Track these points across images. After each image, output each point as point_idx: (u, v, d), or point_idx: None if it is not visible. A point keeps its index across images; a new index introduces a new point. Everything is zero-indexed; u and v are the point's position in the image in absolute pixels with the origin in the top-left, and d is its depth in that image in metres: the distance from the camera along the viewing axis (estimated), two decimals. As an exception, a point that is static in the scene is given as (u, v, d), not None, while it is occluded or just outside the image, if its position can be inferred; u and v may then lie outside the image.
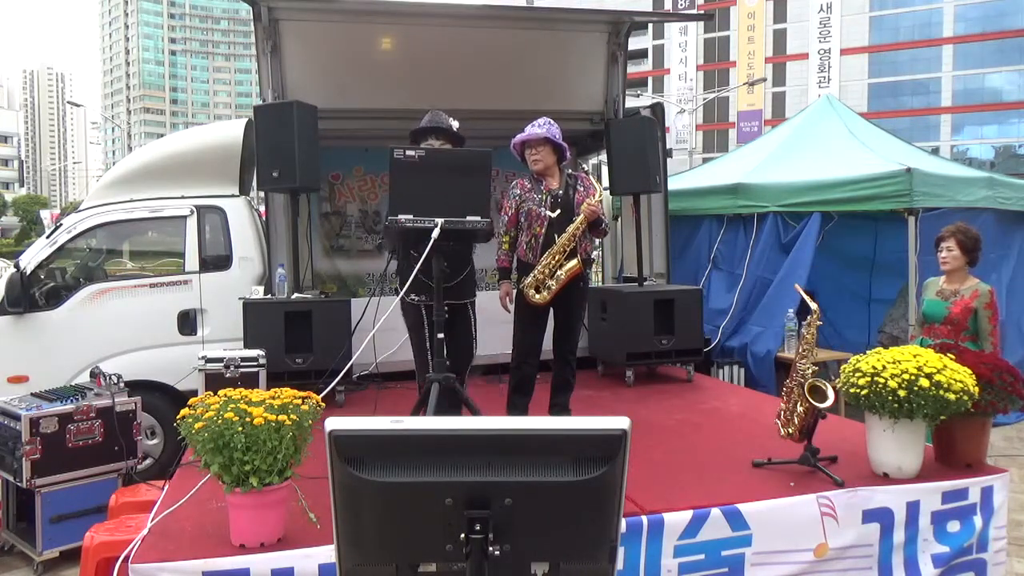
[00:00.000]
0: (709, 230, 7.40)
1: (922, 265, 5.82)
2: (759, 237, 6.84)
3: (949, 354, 3.28)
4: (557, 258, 4.17)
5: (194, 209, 5.57)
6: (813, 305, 3.50)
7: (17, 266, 5.22)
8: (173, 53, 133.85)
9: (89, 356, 5.16)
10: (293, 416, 2.66)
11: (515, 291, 4.33)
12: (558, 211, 4.19)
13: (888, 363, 3.14)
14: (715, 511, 2.98)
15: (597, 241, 7.98)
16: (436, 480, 1.26)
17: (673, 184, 7.10)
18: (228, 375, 4.45)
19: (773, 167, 7.22)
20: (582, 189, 4.28)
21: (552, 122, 4.26)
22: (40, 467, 4.15)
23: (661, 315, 5.59)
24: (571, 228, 4.16)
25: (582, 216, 4.16)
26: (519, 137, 4.24)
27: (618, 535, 1.34)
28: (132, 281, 5.52)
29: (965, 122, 49.35)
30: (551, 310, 4.33)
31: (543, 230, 4.20)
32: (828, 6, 49.00)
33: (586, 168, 4.39)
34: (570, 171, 4.42)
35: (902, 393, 3.04)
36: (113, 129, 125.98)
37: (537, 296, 4.18)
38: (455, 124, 4.17)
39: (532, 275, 4.19)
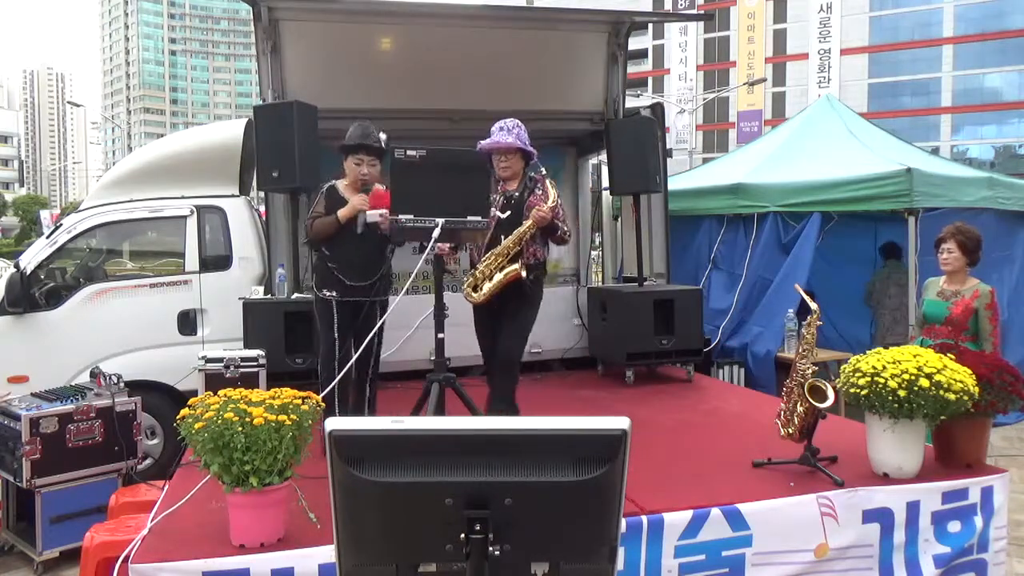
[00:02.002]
0: (709, 230, 7.40)
1: (922, 265, 5.82)
2: (759, 237, 6.83)
3: (949, 354, 3.28)
4: (499, 260, 4.08)
5: (194, 209, 5.57)
6: (813, 305, 3.50)
7: (17, 266, 5.23)
8: (173, 53, 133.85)
9: (89, 356, 5.16)
10: (293, 416, 2.66)
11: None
12: (508, 212, 4.13)
13: (888, 363, 3.14)
14: (715, 511, 2.98)
15: (597, 240, 8.03)
16: (436, 480, 1.26)
17: (673, 184, 7.10)
18: (228, 375, 4.45)
19: (773, 167, 7.22)
20: (539, 192, 4.17)
21: (520, 124, 4.16)
22: (40, 467, 4.15)
23: (661, 315, 5.59)
24: (519, 231, 4.08)
25: (530, 221, 4.07)
26: (487, 144, 4.11)
27: (618, 535, 1.34)
28: (132, 281, 5.53)
29: (965, 122, 49.32)
30: (494, 316, 4.21)
31: (490, 231, 4.08)
32: (828, 6, 48.99)
33: (543, 170, 4.29)
34: (532, 174, 4.29)
35: (902, 393, 3.04)
36: (113, 129, 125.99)
37: (474, 294, 4.11)
38: (383, 136, 4.10)
39: (471, 273, 4.13)
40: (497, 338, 4.24)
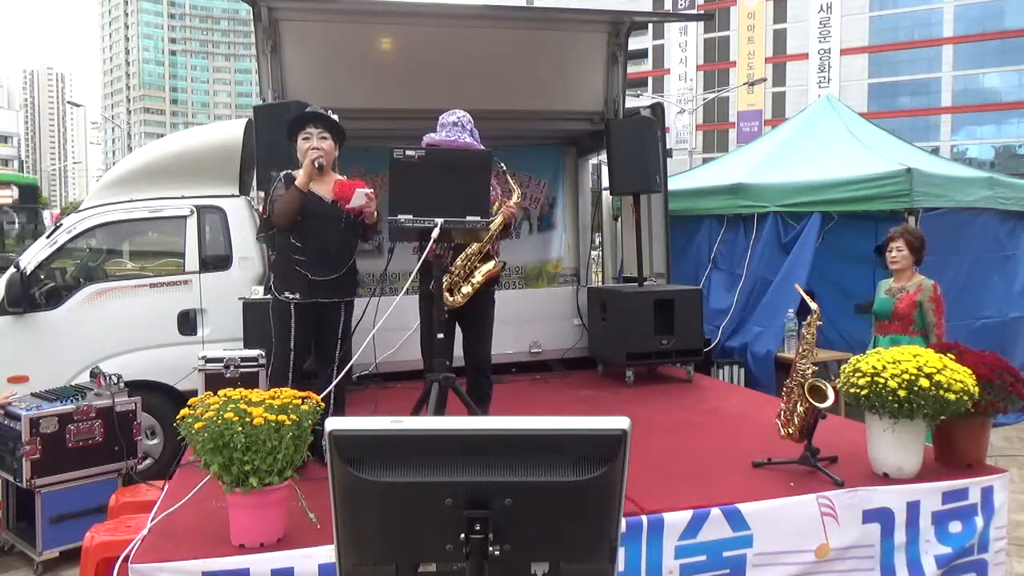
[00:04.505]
0: (709, 230, 7.39)
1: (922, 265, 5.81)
2: (759, 237, 6.83)
3: (949, 354, 3.28)
4: (473, 260, 3.96)
5: (194, 209, 5.57)
6: (813, 305, 3.50)
7: (17, 266, 5.22)
8: (173, 53, 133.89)
9: (89, 356, 5.16)
10: (293, 416, 2.66)
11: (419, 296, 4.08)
12: None
13: (888, 363, 3.14)
14: (715, 511, 2.98)
15: (597, 240, 8.03)
16: (436, 480, 1.26)
17: (673, 184, 7.09)
18: (228, 375, 4.45)
19: (773, 167, 7.22)
20: (492, 189, 3.98)
21: (468, 117, 4.02)
22: (40, 467, 4.15)
23: (661, 315, 5.59)
24: (491, 228, 3.90)
25: (500, 218, 3.96)
26: (443, 142, 3.92)
27: (618, 535, 1.34)
28: (132, 281, 5.53)
29: (965, 122, 49.36)
30: (455, 319, 4.05)
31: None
32: (828, 6, 49.00)
33: (503, 165, 4.16)
34: None
35: (902, 393, 3.04)
36: (113, 129, 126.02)
37: (451, 299, 3.91)
38: (335, 117, 3.83)
39: (446, 277, 3.88)
40: (468, 343, 4.13)
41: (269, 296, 3.93)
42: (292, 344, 3.74)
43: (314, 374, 3.97)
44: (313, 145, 3.70)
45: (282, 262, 3.77)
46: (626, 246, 7.03)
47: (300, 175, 3.66)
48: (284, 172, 3.87)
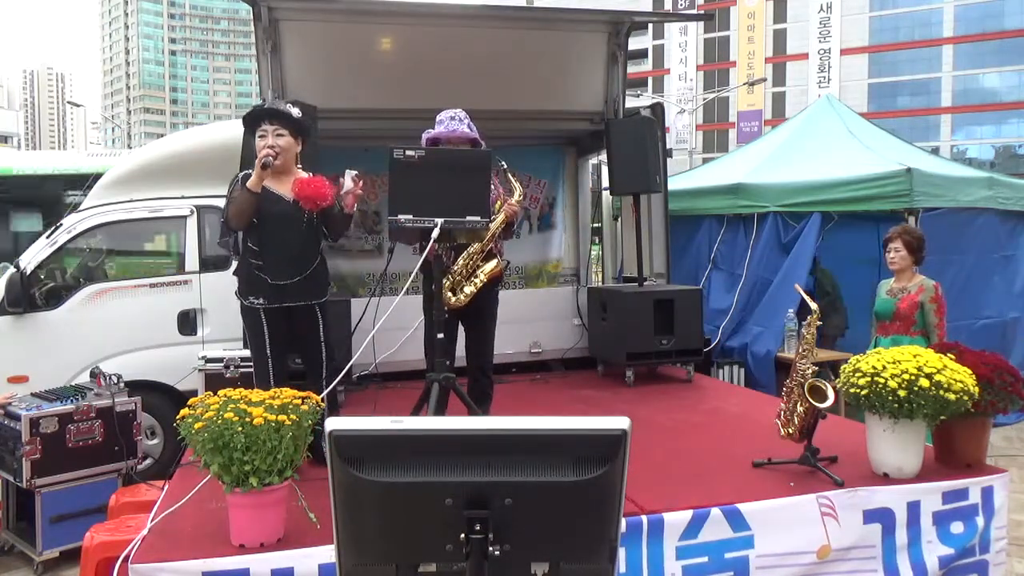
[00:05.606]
0: (709, 230, 7.40)
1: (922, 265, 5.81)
2: (759, 237, 6.84)
3: (949, 354, 3.28)
4: (475, 259, 3.93)
5: (194, 209, 5.58)
6: (813, 305, 3.50)
7: (17, 266, 5.22)
8: (173, 53, 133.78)
9: (89, 356, 5.16)
10: (293, 416, 2.66)
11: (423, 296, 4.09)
12: None
13: (888, 363, 3.14)
14: (715, 511, 2.97)
15: (597, 239, 8.03)
16: (436, 480, 1.26)
17: (673, 184, 7.10)
18: (228, 375, 4.46)
19: (773, 167, 7.22)
20: (493, 188, 3.99)
21: (465, 113, 4.01)
22: (40, 467, 4.15)
23: (661, 315, 5.59)
24: (492, 226, 3.89)
25: (502, 216, 3.94)
26: (442, 134, 3.92)
27: (618, 535, 1.34)
28: (132, 281, 5.53)
29: (965, 122, 49.35)
30: (458, 318, 4.04)
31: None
32: (828, 6, 48.99)
33: (504, 163, 4.14)
34: None
35: (902, 393, 3.04)
36: (113, 129, 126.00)
37: (453, 299, 3.88)
38: (295, 111, 3.65)
39: (448, 277, 3.86)
40: (471, 344, 4.11)
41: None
42: (268, 351, 3.64)
43: (301, 375, 3.86)
44: (268, 143, 3.50)
45: (243, 267, 3.67)
46: (626, 246, 7.02)
47: (253, 177, 3.48)
48: (243, 172, 3.74)
